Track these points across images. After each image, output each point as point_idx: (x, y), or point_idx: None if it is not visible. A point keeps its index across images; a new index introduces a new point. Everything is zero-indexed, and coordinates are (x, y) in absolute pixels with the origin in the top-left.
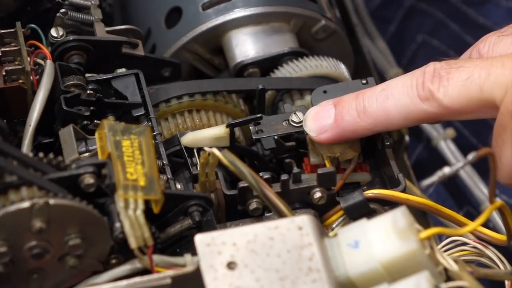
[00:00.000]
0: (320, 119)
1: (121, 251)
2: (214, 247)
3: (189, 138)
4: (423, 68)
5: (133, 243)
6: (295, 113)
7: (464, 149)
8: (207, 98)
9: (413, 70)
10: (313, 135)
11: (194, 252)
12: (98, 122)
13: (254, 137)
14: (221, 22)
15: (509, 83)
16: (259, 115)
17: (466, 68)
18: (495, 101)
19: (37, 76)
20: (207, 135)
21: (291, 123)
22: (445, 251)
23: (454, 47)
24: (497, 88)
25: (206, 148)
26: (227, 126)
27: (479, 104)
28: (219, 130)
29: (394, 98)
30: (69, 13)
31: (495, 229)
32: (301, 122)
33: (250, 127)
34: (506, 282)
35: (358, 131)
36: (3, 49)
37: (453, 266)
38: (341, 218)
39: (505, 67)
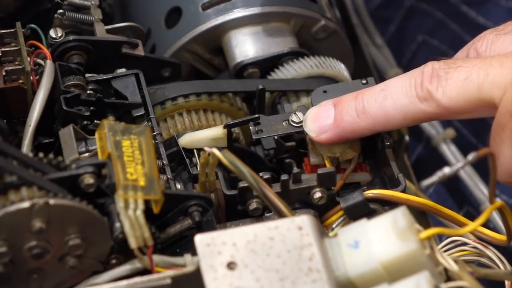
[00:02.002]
0: (320, 120)
1: (121, 251)
2: (214, 247)
3: (187, 139)
4: (422, 68)
5: (133, 243)
6: (295, 113)
7: (464, 149)
8: (213, 99)
9: (412, 70)
10: (313, 135)
11: (194, 252)
12: (98, 122)
13: (254, 137)
14: (221, 22)
15: (508, 82)
16: (257, 115)
17: (465, 68)
18: (493, 101)
19: (37, 76)
20: (204, 136)
21: (291, 123)
22: (445, 251)
23: (454, 47)
24: (495, 88)
25: (206, 148)
26: (224, 127)
27: (478, 104)
28: (217, 131)
29: (392, 98)
30: (67, 13)
31: (495, 229)
32: (301, 122)
33: (250, 127)
34: (506, 282)
35: (358, 131)
36: (3, 49)
37: (453, 266)
38: (341, 218)
39: (503, 67)
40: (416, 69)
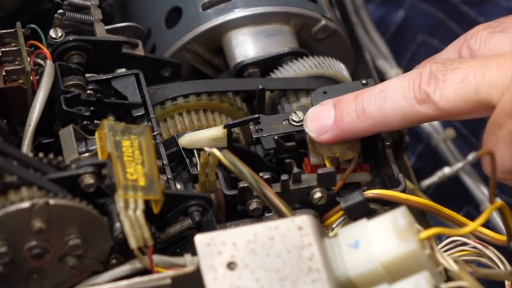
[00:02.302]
0: (320, 120)
1: (121, 251)
2: (214, 247)
3: (187, 139)
4: (419, 69)
5: (133, 243)
6: (295, 113)
7: (464, 149)
8: (213, 99)
9: (411, 71)
10: (314, 135)
11: (194, 252)
12: (98, 122)
13: (254, 136)
14: (221, 22)
15: (505, 83)
16: (257, 115)
17: (462, 69)
18: (491, 102)
19: (37, 76)
20: (204, 136)
21: (292, 122)
22: (445, 251)
23: None
24: (492, 89)
25: (206, 148)
26: (224, 127)
27: (475, 105)
28: (217, 131)
29: (391, 100)
30: (67, 13)
31: (495, 229)
32: (301, 121)
33: (250, 126)
34: (506, 282)
35: (358, 131)
36: (3, 49)
37: (453, 266)
38: (341, 218)
39: (500, 68)
40: (414, 70)
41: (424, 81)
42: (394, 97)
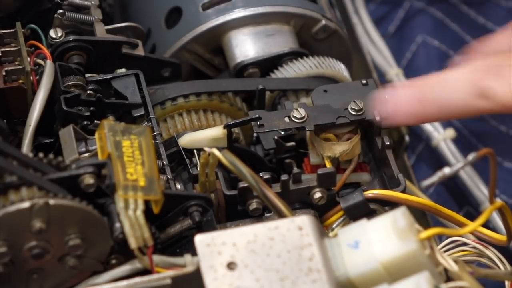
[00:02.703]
0: (391, 105)
1: (121, 251)
2: (214, 248)
3: (187, 139)
4: (480, 63)
5: (133, 243)
6: (296, 109)
7: (464, 149)
8: (213, 99)
9: (470, 63)
10: (381, 118)
11: (194, 252)
12: (98, 122)
13: (255, 131)
14: (221, 22)
15: None
16: (257, 115)
17: None
18: None
19: (37, 76)
20: (204, 136)
21: (293, 119)
22: (445, 251)
23: (454, 47)
24: None
25: (206, 148)
26: (224, 127)
27: None
28: (217, 131)
29: (452, 93)
30: (67, 13)
31: (495, 229)
32: (302, 118)
33: (252, 122)
34: (506, 283)
35: (418, 119)
36: (3, 49)
37: (453, 267)
38: (341, 219)
39: None
40: (473, 63)
41: (483, 75)
42: (455, 90)
